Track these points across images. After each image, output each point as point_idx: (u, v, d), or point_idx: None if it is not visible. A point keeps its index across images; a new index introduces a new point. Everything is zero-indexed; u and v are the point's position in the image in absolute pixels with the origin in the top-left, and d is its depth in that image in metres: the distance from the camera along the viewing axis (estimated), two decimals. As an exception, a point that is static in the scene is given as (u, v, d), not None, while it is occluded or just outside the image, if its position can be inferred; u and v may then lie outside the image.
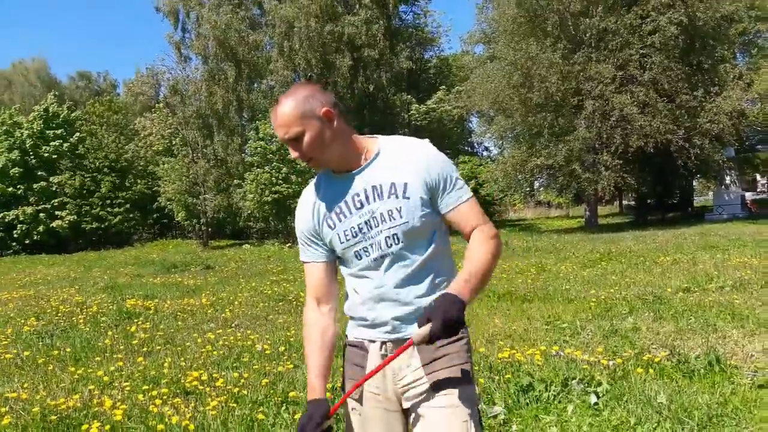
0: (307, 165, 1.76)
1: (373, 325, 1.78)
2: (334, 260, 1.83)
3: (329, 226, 1.77)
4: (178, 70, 31.23)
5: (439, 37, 35.95)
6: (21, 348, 6.00)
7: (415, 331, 1.60)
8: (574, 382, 4.22)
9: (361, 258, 1.75)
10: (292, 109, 1.66)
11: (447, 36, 63.55)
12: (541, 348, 4.96)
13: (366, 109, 29.10)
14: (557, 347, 5.02)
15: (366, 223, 1.72)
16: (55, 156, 30.38)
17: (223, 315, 7.73)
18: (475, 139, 38.50)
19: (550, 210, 45.12)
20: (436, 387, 1.72)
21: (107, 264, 18.91)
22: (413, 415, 1.76)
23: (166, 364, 5.06)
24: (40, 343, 6.35)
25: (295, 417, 3.73)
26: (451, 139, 34.53)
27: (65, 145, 30.44)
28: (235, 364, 5.08)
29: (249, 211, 26.53)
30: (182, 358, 5.34)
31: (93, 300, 9.52)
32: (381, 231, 1.71)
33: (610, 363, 4.56)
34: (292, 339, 5.94)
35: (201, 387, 4.36)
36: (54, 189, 29.78)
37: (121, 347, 5.97)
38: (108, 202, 30.32)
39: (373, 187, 1.72)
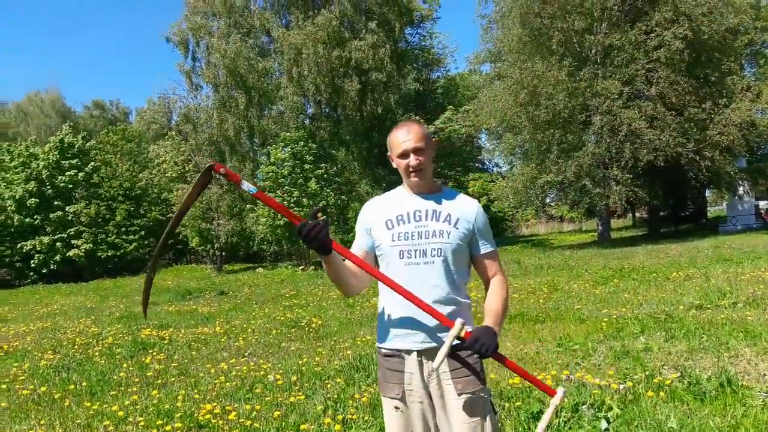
0: (414, 176, 2.20)
1: (406, 335, 2.18)
2: (373, 254, 2.29)
3: (387, 227, 2.22)
4: (189, 98, 31.72)
5: (446, 58, 36.39)
6: (38, 383, 6.09)
7: (452, 333, 2.07)
8: (584, 407, 4.22)
9: (402, 257, 2.19)
10: (423, 130, 2.23)
11: (453, 56, 64.09)
12: (552, 372, 4.97)
13: (375, 130, 29.31)
14: (567, 371, 5.03)
15: (418, 233, 2.18)
16: (71, 186, 30.83)
17: (236, 344, 7.79)
18: (485, 155, 38.60)
19: (562, 224, 45.00)
20: (460, 390, 2.16)
21: (123, 292, 19.09)
22: (441, 409, 2.18)
23: (179, 397, 5.12)
24: (57, 377, 6.44)
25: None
26: (460, 156, 34.65)
27: (80, 174, 30.89)
28: (247, 396, 5.13)
29: (262, 235, 26.69)
30: (196, 390, 5.40)
31: (109, 331, 9.63)
32: (429, 243, 2.17)
33: (621, 386, 4.55)
34: (304, 368, 5.99)
35: (214, 420, 4.41)
36: (70, 218, 30.18)
37: (136, 380, 6.05)
38: (123, 229, 30.66)
39: (434, 210, 2.22)
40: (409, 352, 2.18)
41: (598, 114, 22.82)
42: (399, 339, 2.19)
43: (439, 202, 2.24)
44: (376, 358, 2.32)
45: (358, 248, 2.29)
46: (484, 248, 2.28)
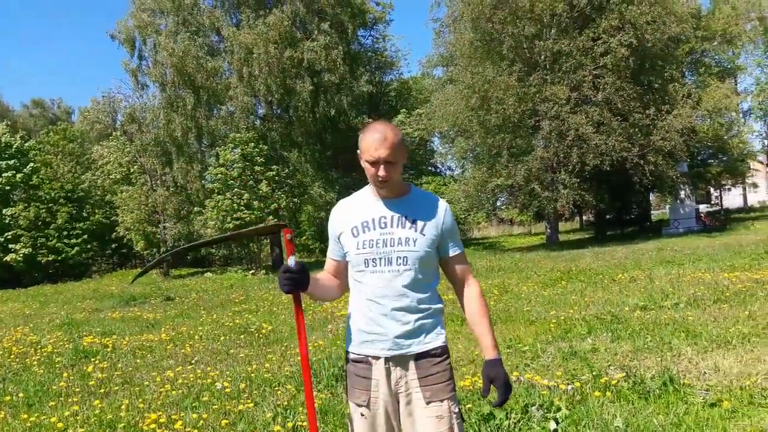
0: (381, 186, 2.12)
1: (373, 341, 2.15)
2: (344, 263, 2.25)
3: (353, 234, 2.16)
4: (135, 97, 30.90)
5: (399, 61, 36.54)
6: (-30, 395, 5.78)
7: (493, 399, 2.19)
8: (533, 408, 4.26)
9: (368, 266, 2.14)
10: (397, 137, 2.08)
11: (406, 60, 64.52)
12: (502, 375, 5.00)
13: (327, 132, 29.18)
14: (517, 373, 5.07)
15: (383, 241, 2.11)
16: (8, 187, 29.59)
17: (183, 351, 7.59)
18: (438, 159, 38.94)
19: (512, 227, 45.79)
20: (428, 398, 2.13)
21: (64, 298, 18.39)
22: (408, 417, 2.17)
23: (123, 407, 4.94)
24: (-9, 388, 6.12)
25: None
26: (413, 159, 34.83)
27: (18, 175, 29.69)
28: (194, 404, 4.98)
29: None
30: (140, 399, 5.22)
31: (48, 339, 9.23)
32: (395, 251, 2.11)
33: (569, 387, 4.63)
34: (253, 375, 5.86)
35: (159, 430, 4.26)
36: (7, 221, 28.94)
37: (77, 389, 5.80)
38: (65, 233, 29.59)
39: (400, 217, 2.14)
40: (376, 358, 2.16)
41: (547, 119, 23.31)
42: (367, 345, 2.18)
43: (405, 207, 2.16)
44: (345, 363, 2.29)
45: (330, 257, 2.31)
46: (453, 250, 2.23)
